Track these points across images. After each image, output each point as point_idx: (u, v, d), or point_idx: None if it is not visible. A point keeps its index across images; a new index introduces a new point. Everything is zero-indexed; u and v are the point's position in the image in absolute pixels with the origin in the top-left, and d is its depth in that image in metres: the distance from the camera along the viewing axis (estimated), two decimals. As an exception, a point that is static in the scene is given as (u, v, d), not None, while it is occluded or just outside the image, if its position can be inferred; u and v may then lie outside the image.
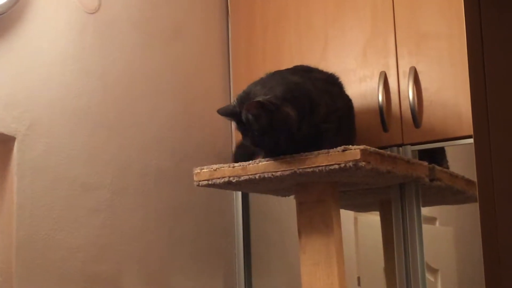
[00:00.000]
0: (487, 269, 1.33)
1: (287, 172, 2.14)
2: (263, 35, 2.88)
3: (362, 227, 3.31)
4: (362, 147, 2.05)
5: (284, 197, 2.66)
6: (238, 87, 2.90)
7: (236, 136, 2.88)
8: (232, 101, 2.91)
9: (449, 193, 2.55)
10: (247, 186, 2.37)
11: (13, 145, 2.17)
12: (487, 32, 1.37)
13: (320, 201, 2.26)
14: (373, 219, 3.22)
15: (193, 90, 2.83)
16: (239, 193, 2.79)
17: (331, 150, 2.07)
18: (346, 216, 2.41)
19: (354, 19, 2.68)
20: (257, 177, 2.20)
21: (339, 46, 2.69)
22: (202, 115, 2.84)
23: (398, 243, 2.42)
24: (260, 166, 2.20)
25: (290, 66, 2.63)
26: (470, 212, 3.73)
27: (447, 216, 3.69)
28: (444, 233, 3.68)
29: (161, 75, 2.70)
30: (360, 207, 3.05)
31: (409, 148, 2.47)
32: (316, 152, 2.10)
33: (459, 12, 2.45)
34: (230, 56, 2.97)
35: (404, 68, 2.52)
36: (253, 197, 2.82)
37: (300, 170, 2.12)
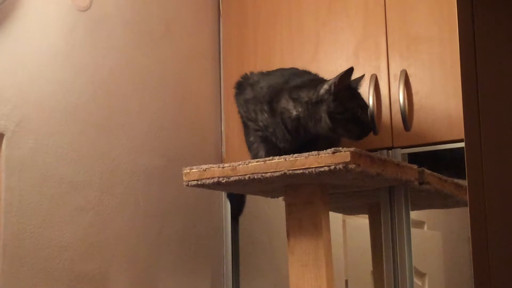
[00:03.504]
0: (477, 272, 1.33)
1: (277, 174, 2.13)
2: (255, 35, 2.87)
3: (350, 230, 3.31)
4: (352, 149, 2.04)
5: (273, 199, 2.65)
6: (228, 87, 2.89)
7: (226, 136, 2.88)
8: (222, 101, 2.91)
9: (438, 197, 2.55)
10: (237, 187, 2.36)
11: (1, 142, 2.15)
12: (480, 36, 1.37)
13: (309, 203, 2.25)
14: (361, 222, 3.22)
15: (183, 89, 2.82)
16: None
17: (321, 152, 2.07)
18: (335, 219, 2.41)
19: (345, 21, 2.68)
20: (246, 178, 2.19)
21: (330, 48, 2.69)
22: (192, 115, 2.83)
23: (386, 246, 2.42)
24: (249, 167, 2.19)
25: (281, 66, 2.63)
26: (458, 217, 3.74)
27: (435, 220, 3.69)
28: (432, 237, 3.69)
29: (151, 74, 2.69)
30: (349, 209, 3.04)
31: (399, 151, 2.48)
32: (306, 154, 2.09)
33: (450, 16, 2.47)
34: (221, 56, 2.97)
35: (395, 71, 2.52)
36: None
37: (290, 171, 2.11)
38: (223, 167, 2.24)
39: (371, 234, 2.74)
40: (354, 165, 2.03)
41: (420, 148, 2.48)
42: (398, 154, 2.47)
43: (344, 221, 3.28)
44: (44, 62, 2.30)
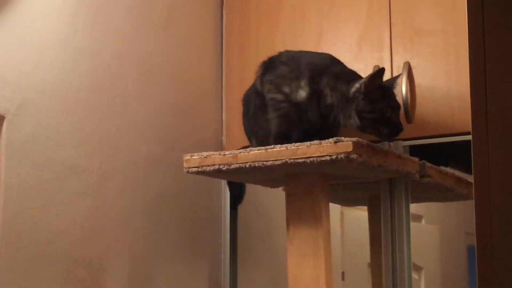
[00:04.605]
0: (480, 265, 1.32)
1: (278, 162, 2.13)
2: (257, 24, 2.86)
3: (348, 222, 3.31)
4: (354, 139, 2.03)
5: (272, 189, 2.64)
6: (230, 76, 2.89)
7: (226, 124, 2.87)
8: (223, 89, 2.91)
9: (438, 190, 2.54)
10: (237, 175, 2.35)
11: (2, 125, 2.14)
12: (490, 30, 1.36)
13: (309, 192, 2.25)
14: (359, 214, 3.22)
15: (184, 77, 2.81)
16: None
17: (323, 141, 2.06)
18: (333, 210, 2.40)
19: (349, 11, 2.67)
20: (247, 166, 2.18)
21: (333, 38, 2.68)
22: (193, 102, 2.82)
23: (385, 239, 2.41)
24: (251, 155, 2.18)
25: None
26: (456, 211, 3.75)
27: (434, 215, 3.69)
28: (430, 231, 3.68)
29: (153, 61, 2.68)
30: (349, 201, 3.04)
31: (401, 143, 2.47)
32: (308, 143, 2.09)
33: (455, 9, 2.47)
34: (223, 45, 2.96)
35: (398, 63, 2.51)
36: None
37: (291, 160, 2.10)
38: (224, 155, 2.23)
39: (370, 226, 2.73)
40: (356, 155, 2.03)
41: (421, 141, 2.47)
42: (400, 146, 2.46)
43: (342, 213, 3.27)
44: (45, 46, 2.29)
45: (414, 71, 2.48)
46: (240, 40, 2.91)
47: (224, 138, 2.85)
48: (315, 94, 2.25)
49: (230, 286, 2.71)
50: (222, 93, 2.91)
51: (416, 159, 2.36)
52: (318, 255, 2.21)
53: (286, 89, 2.29)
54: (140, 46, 2.64)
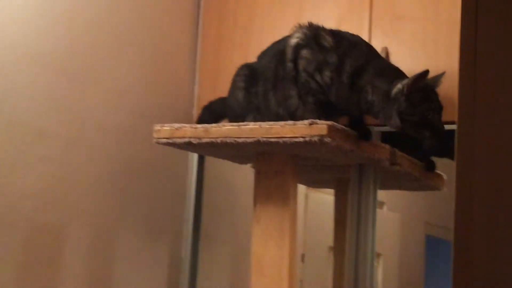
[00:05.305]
0: (457, 256, 1.31)
1: (250, 140, 2.10)
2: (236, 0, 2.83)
3: (312, 205, 3.30)
4: (329, 122, 2.02)
5: (240, 165, 2.62)
6: (206, 50, 2.86)
7: (198, 98, 2.83)
8: (198, 62, 2.86)
9: (406, 179, 2.54)
10: (207, 149, 2.33)
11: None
12: (482, 23, 1.34)
13: (279, 172, 2.23)
14: (323, 197, 3.21)
15: (160, 48, 2.77)
16: (195, 156, 2.74)
17: (298, 122, 2.04)
18: (298, 192, 2.38)
19: (331, -9, 2.65)
20: (219, 141, 2.15)
21: (313, 19, 2.63)
22: (167, 74, 2.79)
23: (351, 223, 2.39)
24: (223, 130, 2.15)
25: (260, 35, 2.60)
26: (417, 200, 3.77)
27: (395, 202, 3.71)
28: (391, 219, 3.70)
29: (129, 30, 2.64)
30: (316, 183, 3.03)
31: (373, 130, 2.45)
32: (282, 122, 2.07)
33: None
34: (200, 18, 2.92)
35: (377, 47, 2.47)
36: (209, 161, 2.77)
37: (264, 139, 2.08)
38: (196, 128, 2.20)
39: (335, 209, 2.73)
40: (329, 139, 2.01)
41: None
42: (373, 132, 2.44)
43: (306, 195, 3.27)
44: (19, 6, 2.23)
45: (392, 57, 2.47)
46: (217, 15, 2.87)
47: (195, 111, 2.82)
48: (356, 92, 2.16)
49: (190, 260, 2.68)
50: (196, 67, 2.87)
51: (388, 146, 2.34)
52: (284, 236, 2.19)
53: (327, 78, 2.19)
54: (117, 14, 2.59)
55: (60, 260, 2.37)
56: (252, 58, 2.39)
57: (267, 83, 2.29)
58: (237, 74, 2.40)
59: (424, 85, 2.11)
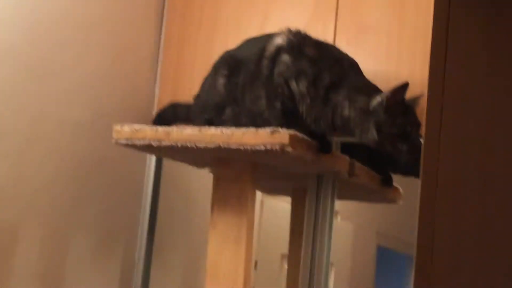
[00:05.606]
0: (419, 264, 1.30)
1: (211, 146, 2.09)
2: (201, 0, 2.81)
3: (267, 212, 3.28)
4: (291, 131, 2.01)
5: (198, 169, 2.60)
6: (168, 50, 2.83)
7: (159, 98, 2.81)
8: (159, 62, 2.84)
9: (364, 190, 2.55)
10: (167, 153, 2.32)
11: None
12: (453, 35, 1.34)
13: (238, 178, 2.22)
14: (279, 204, 3.20)
15: (122, 45, 2.74)
16: (153, 158, 2.71)
17: (260, 130, 2.03)
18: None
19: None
20: (179, 145, 2.14)
21: (278, 24, 2.61)
22: (128, 73, 2.76)
23: (307, 232, 2.39)
24: (184, 134, 2.14)
25: (225, 37, 2.58)
26: (370, 210, 3.78)
27: (349, 212, 3.71)
28: (344, 228, 3.70)
29: (92, 25, 2.60)
30: (273, 190, 3.02)
31: (333, 140, 2.44)
32: (244, 129, 2.06)
33: (402, 9, 2.47)
34: (164, 15, 2.89)
35: (341, 58, 2.49)
36: (167, 163, 2.74)
37: (225, 145, 2.07)
38: (156, 130, 2.18)
39: (291, 218, 2.72)
40: (291, 148, 2.01)
41: (355, 138, 2.45)
42: (333, 143, 2.44)
43: (262, 201, 3.25)
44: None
45: (355, 69, 2.46)
46: (181, 16, 2.85)
47: (155, 111, 2.79)
48: (331, 106, 2.13)
49: (143, 264, 2.65)
50: (157, 67, 2.84)
51: (347, 157, 2.34)
52: (240, 243, 2.18)
53: (303, 88, 2.15)
54: (81, 8, 2.56)
55: (12, 259, 2.33)
56: (216, 60, 2.37)
57: (246, 76, 2.26)
58: (220, 61, 2.35)
59: (403, 99, 2.09)
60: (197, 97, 2.38)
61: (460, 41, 1.34)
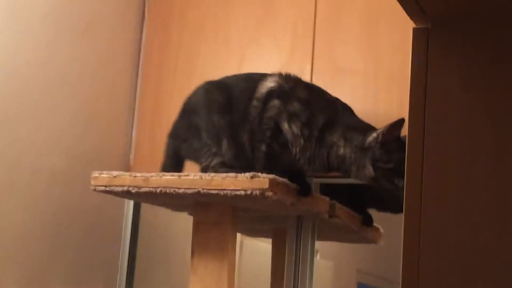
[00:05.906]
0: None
1: (190, 191, 2.07)
2: (178, 42, 2.82)
3: (246, 253, 3.27)
4: (271, 176, 2.00)
5: (177, 213, 2.58)
6: (145, 94, 2.82)
7: (136, 143, 2.79)
8: (136, 106, 2.83)
9: (344, 231, 2.54)
10: (146, 198, 2.28)
11: None
12: (432, 70, 1.35)
13: (218, 223, 2.20)
14: (259, 245, 3.19)
15: (98, 90, 2.73)
16: (131, 204, 2.69)
17: (239, 175, 2.02)
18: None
19: (273, 42, 2.66)
20: (158, 191, 2.12)
21: (254, 67, 2.64)
22: (104, 117, 2.75)
23: (288, 273, 2.38)
24: (162, 180, 2.12)
25: (201, 79, 2.57)
26: (349, 248, 3.77)
27: (329, 250, 3.70)
28: (324, 267, 3.69)
29: (69, 71, 2.60)
30: (253, 232, 3.01)
31: (313, 181, 2.44)
32: (223, 174, 2.04)
33: (378, 51, 2.48)
34: (141, 60, 2.89)
35: (317, 99, 2.50)
36: (145, 208, 2.72)
37: (205, 190, 2.05)
38: (134, 176, 2.16)
39: (272, 259, 2.70)
40: (271, 193, 1.99)
41: (334, 180, 2.46)
42: (312, 184, 2.44)
43: (242, 242, 3.24)
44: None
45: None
46: (158, 58, 2.85)
47: (132, 156, 2.78)
48: (326, 146, 2.15)
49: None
50: (134, 112, 2.83)
51: (327, 198, 2.34)
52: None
53: (296, 129, 2.16)
54: (56, 54, 2.56)
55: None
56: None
57: (238, 115, 2.25)
58: (211, 95, 2.32)
59: (399, 135, 2.08)
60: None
61: (438, 79, 1.35)
